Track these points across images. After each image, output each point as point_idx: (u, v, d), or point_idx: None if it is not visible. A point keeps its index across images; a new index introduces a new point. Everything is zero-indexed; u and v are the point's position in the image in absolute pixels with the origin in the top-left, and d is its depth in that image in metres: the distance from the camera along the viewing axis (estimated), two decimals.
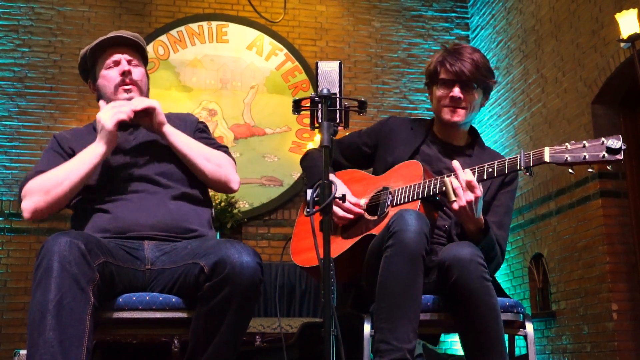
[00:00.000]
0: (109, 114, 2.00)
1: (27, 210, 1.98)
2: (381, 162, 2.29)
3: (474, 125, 2.37)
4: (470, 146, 2.29)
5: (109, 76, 2.12)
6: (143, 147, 2.12)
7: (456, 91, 2.17)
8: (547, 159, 1.82)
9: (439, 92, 2.22)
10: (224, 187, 2.14)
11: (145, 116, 2.06)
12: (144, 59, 2.24)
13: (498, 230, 2.10)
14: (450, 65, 2.17)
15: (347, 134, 2.42)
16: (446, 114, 2.21)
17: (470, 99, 2.19)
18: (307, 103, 1.66)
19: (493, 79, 2.24)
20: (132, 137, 2.13)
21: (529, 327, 2.05)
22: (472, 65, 2.15)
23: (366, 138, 2.37)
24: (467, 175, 1.92)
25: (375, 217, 2.11)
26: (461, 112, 2.20)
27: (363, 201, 2.17)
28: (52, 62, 6.17)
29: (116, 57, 2.13)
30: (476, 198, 1.91)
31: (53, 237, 1.67)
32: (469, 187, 1.91)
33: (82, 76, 2.25)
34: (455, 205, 1.93)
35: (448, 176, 1.97)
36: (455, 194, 1.92)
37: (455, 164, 1.97)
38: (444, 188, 1.97)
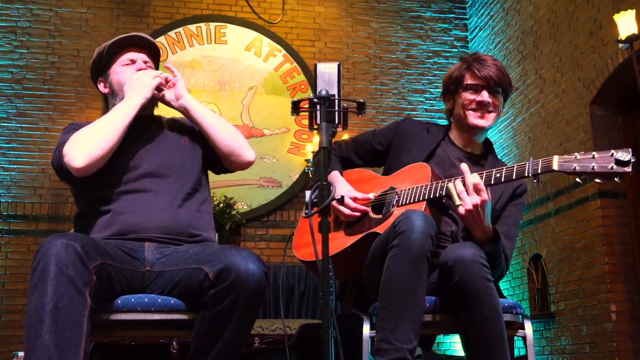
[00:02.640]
0: (149, 75, 2.10)
1: (80, 158, 1.89)
2: (394, 162, 2.29)
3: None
4: (484, 156, 2.31)
5: (123, 72, 2.15)
6: (147, 144, 2.11)
7: (485, 95, 2.19)
8: (555, 167, 1.83)
9: (466, 96, 2.21)
10: (240, 156, 2.14)
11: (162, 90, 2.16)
12: (157, 65, 2.28)
13: (506, 241, 2.10)
14: (478, 70, 2.19)
15: (344, 137, 2.41)
16: (473, 118, 2.21)
17: (498, 103, 2.22)
18: (305, 104, 1.66)
19: (512, 87, 2.27)
20: (134, 134, 2.11)
21: (528, 328, 2.05)
22: (498, 70, 2.19)
23: (381, 137, 2.38)
24: (474, 178, 1.92)
25: (380, 216, 2.11)
26: (489, 116, 2.22)
27: (372, 195, 2.18)
28: (51, 63, 6.16)
29: (134, 56, 2.17)
30: (482, 202, 1.91)
31: (49, 240, 1.66)
32: (476, 190, 1.91)
33: (93, 75, 2.24)
34: (462, 210, 1.92)
35: (450, 181, 1.97)
36: (460, 198, 1.92)
37: (464, 167, 1.97)
38: (448, 193, 1.96)
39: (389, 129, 2.39)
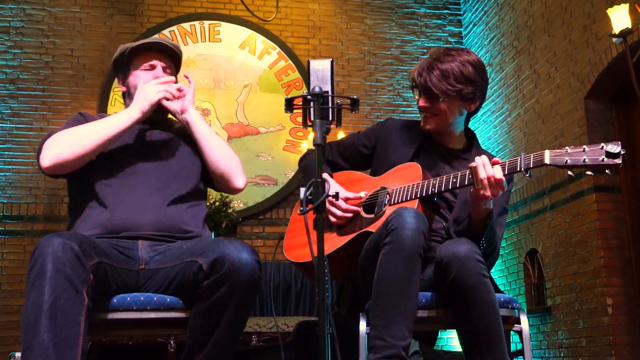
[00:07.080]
0: (156, 88, 2.09)
1: (48, 157, 1.93)
2: (380, 163, 2.29)
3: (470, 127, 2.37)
4: (467, 149, 2.30)
5: (142, 77, 2.17)
6: (149, 144, 2.13)
7: (421, 101, 2.20)
8: (547, 161, 1.84)
9: (417, 98, 2.25)
10: (230, 182, 2.14)
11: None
12: (178, 69, 2.29)
13: (497, 227, 2.10)
14: (418, 75, 2.18)
15: (340, 134, 2.41)
16: (421, 122, 2.26)
17: (441, 107, 2.17)
18: (299, 101, 1.65)
19: (470, 87, 2.15)
20: (138, 133, 2.14)
21: (524, 323, 2.06)
22: (438, 77, 2.13)
23: (364, 139, 2.37)
24: (496, 172, 1.91)
25: (372, 215, 2.11)
26: (431, 120, 2.22)
27: (363, 193, 2.17)
28: (44, 63, 6.14)
29: (153, 62, 2.19)
30: (503, 193, 1.94)
31: (46, 238, 1.66)
32: (498, 183, 1.90)
33: (114, 69, 2.29)
34: (482, 193, 1.91)
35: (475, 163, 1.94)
36: (482, 185, 1.91)
37: (483, 159, 1.95)
38: (470, 176, 1.94)
39: (372, 131, 2.39)
